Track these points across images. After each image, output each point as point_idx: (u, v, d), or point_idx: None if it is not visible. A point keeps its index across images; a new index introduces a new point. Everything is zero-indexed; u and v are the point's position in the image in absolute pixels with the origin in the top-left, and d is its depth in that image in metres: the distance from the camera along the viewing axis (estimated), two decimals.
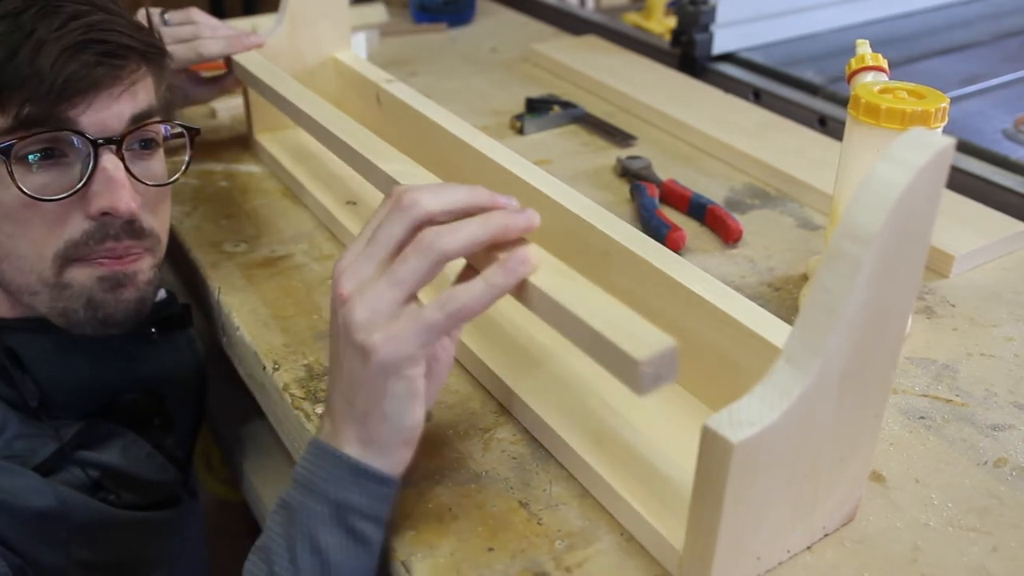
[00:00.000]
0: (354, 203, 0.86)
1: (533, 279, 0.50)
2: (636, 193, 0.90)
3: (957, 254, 0.79)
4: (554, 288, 0.49)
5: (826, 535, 0.53)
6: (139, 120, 0.64)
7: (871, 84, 0.67)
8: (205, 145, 1.02)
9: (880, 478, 0.58)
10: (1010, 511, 0.56)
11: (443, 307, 0.48)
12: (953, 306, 0.76)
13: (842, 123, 0.70)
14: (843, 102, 1.07)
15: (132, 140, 0.65)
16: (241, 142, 1.04)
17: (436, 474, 0.58)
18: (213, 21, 0.94)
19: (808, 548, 0.52)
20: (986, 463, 0.59)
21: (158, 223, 0.68)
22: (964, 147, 0.99)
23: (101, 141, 0.62)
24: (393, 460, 0.51)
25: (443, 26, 1.44)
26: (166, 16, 0.91)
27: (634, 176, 0.94)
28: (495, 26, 1.47)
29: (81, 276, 0.64)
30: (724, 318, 0.56)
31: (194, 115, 1.09)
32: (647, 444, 0.58)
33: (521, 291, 0.50)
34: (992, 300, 0.76)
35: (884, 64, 0.70)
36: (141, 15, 0.76)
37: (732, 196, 0.93)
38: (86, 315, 0.65)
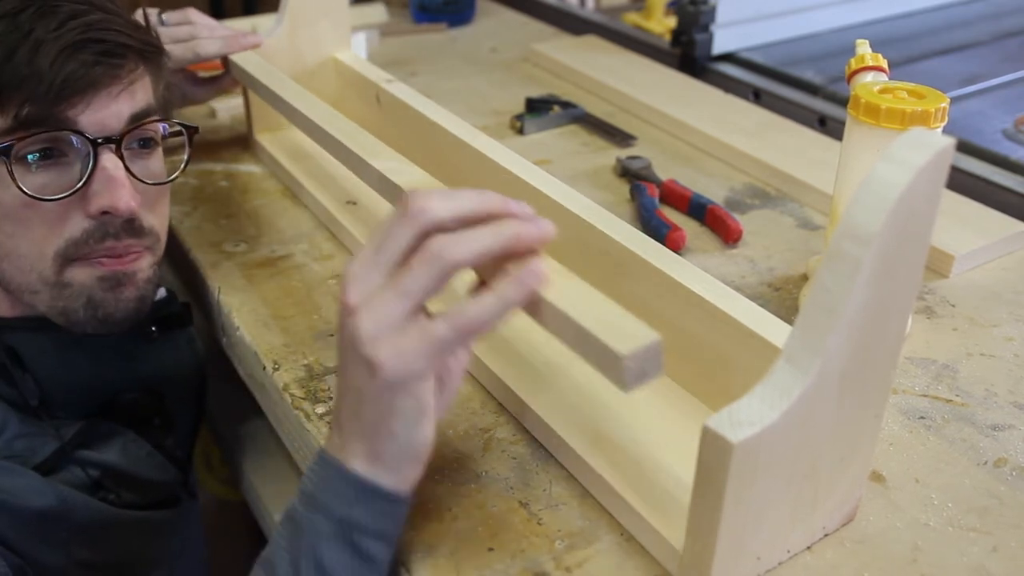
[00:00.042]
0: (354, 203, 0.86)
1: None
2: (636, 193, 0.90)
3: (957, 254, 0.79)
4: None
5: (826, 535, 0.53)
6: (138, 119, 0.64)
7: (871, 84, 0.67)
8: (205, 145, 1.03)
9: (880, 478, 0.58)
10: (1010, 511, 0.56)
11: (452, 322, 0.46)
12: (953, 306, 0.76)
13: (842, 123, 0.70)
14: (843, 102, 1.07)
15: (131, 139, 0.65)
16: (241, 142, 1.04)
17: (436, 474, 0.58)
18: (210, 21, 0.94)
19: (808, 548, 0.52)
20: (986, 463, 0.59)
21: (157, 221, 0.68)
22: (964, 147, 0.99)
23: (100, 140, 0.62)
24: (401, 477, 0.50)
25: (443, 26, 1.44)
26: (163, 16, 0.91)
27: (634, 176, 0.94)
28: (495, 26, 1.47)
29: (81, 275, 0.65)
30: (724, 318, 0.56)
31: (193, 115, 1.09)
32: (647, 444, 0.58)
33: (534, 306, 0.48)
34: (992, 300, 0.76)
35: (884, 64, 0.70)
36: (138, 15, 0.76)
37: (732, 196, 0.93)
38: (86, 314, 0.66)
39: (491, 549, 0.53)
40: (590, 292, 0.48)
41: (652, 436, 0.58)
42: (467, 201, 0.48)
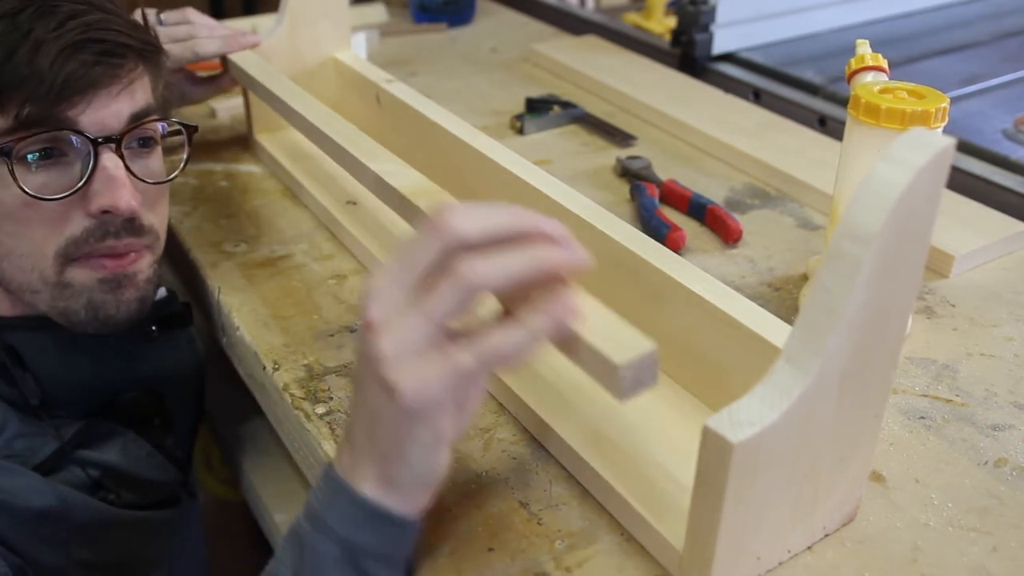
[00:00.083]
0: (354, 203, 0.86)
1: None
2: (636, 193, 0.90)
3: (957, 254, 0.79)
4: None
5: (826, 535, 0.53)
6: (138, 118, 0.65)
7: (871, 84, 0.67)
8: (205, 145, 1.03)
9: (880, 478, 0.58)
10: (1010, 511, 0.56)
11: (478, 352, 0.44)
12: (953, 306, 0.76)
13: (842, 123, 0.70)
14: (843, 102, 1.07)
15: (131, 138, 0.65)
16: (241, 142, 1.04)
17: None
18: (209, 21, 0.94)
19: (808, 548, 0.52)
20: (986, 463, 0.59)
21: (157, 220, 0.68)
22: (964, 147, 0.99)
23: (101, 140, 0.62)
24: (412, 502, 0.48)
25: (443, 26, 1.44)
26: (162, 16, 0.91)
27: (634, 176, 0.94)
28: (495, 26, 1.47)
29: (81, 276, 0.65)
30: (724, 318, 0.56)
31: (193, 115, 1.09)
32: (647, 444, 0.58)
33: (565, 342, 0.46)
34: (992, 300, 0.76)
35: (884, 64, 0.70)
36: (137, 15, 0.76)
37: (732, 196, 0.93)
38: (87, 315, 0.66)
39: (491, 549, 0.53)
40: (586, 299, 0.47)
41: (652, 436, 0.58)
42: (497, 219, 0.45)
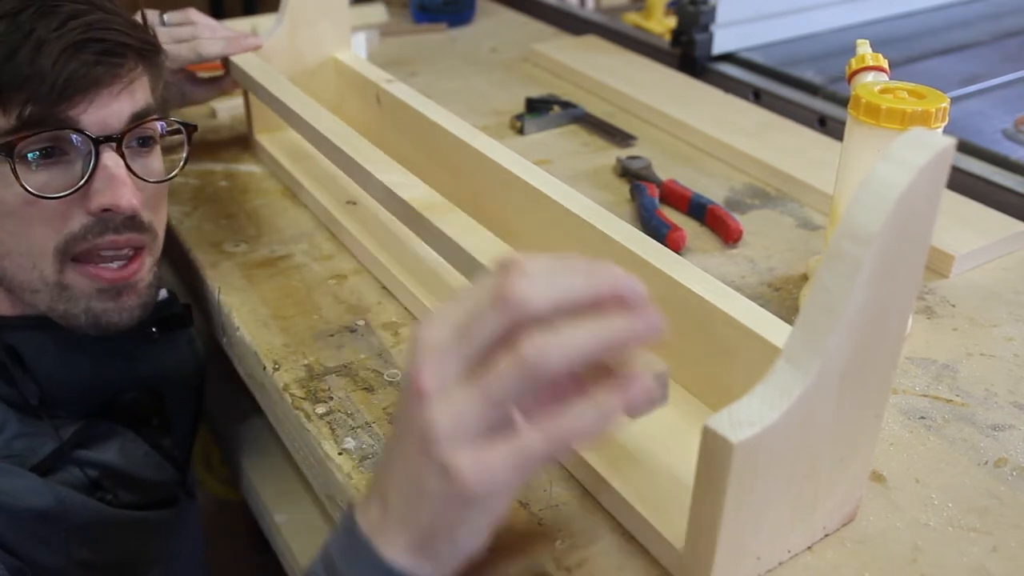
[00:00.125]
0: (354, 203, 0.86)
1: None
2: (636, 193, 0.90)
3: (957, 254, 0.79)
4: None
5: (826, 535, 0.53)
6: (138, 118, 0.65)
7: (871, 84, 0.67)
8: (205, 145, 1.03)
9: (880, 478, 0.58)
10: (1010, 511, 0.56)
11: (549, 436, 0.40)
12: (953, 306, 0.76)
13: (842, 123, 0.70)
14: (843, 102, 1.07)
15: (131, 138, 0.65)
16: (241, 142, 1.04)
17: None
18: (211, 22, 0.94)
19: (808, 548, 0.52)
20: (986, 463, 0.59)
21: (157, 220, 0.69)
22: (964, 147, 0.99)
23: (102, 139, 0.62)
24: (446, 571, 0.44)
25: (443, 26, 1.44)
26: (164, 17, 0.91)
27: (634, 176, 0.94)
28: (495, 26, 1.47)
29: (80, 283, 0.65)
30: (724, 318, 0.56)
31: (193, 115, 1.09)
32: (647, 444, 0.58)
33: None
34: (992, 300, 0.76)
35: (884, 64, 0.70)
36: (138, 16, 0.76)
37: (732, 196, 0.93)
38: (87, 321, 0.66)
39: (491, 549, 0.53)
40: None
41: (652, 436, 0.58)
42: (570, 286, 0.41)
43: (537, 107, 1.10)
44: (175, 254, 0.88)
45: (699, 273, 0.59)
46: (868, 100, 0.64)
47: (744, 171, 0.97)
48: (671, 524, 0.51)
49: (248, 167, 0.99)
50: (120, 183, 0.63)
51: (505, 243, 0.63)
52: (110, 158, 0.62)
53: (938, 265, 0.80)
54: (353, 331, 0.72)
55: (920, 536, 0.54)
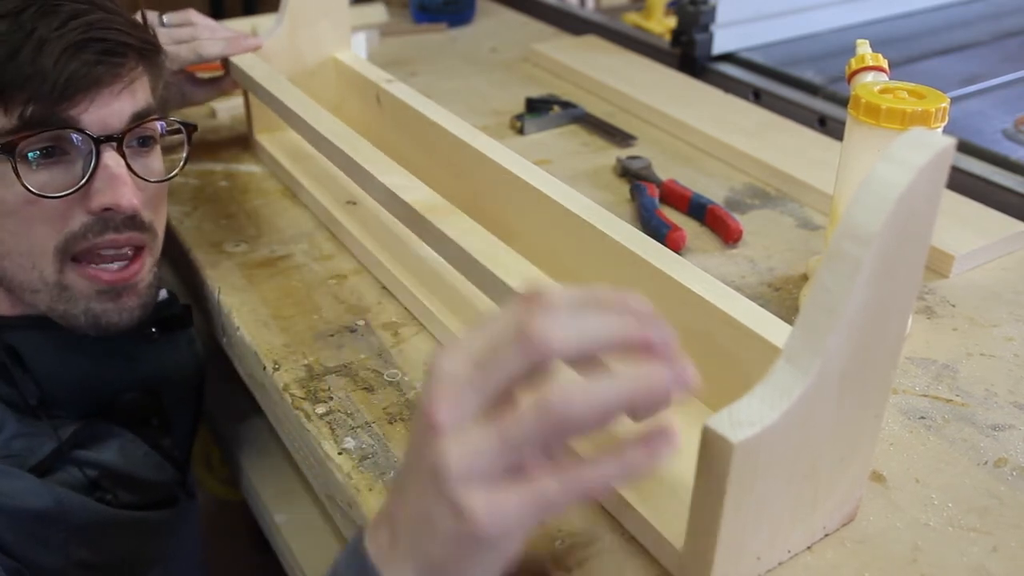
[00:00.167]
0: (354, 203, 0.86)
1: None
2: (636, 193, 0.90)
3: (957, 254, 0.79)
4: None
5: (826, 535, 0.53)
6: (139, 118, 0.65)
7: (871, 84, 0.67)
8: (205, 145, 1.03)
9: (880, 478, 0.58)
10: (1010, 511, 0.56)
11: (567, 484, 0.39)
12: (953, 306, 0.76)
13: (842, 123, 0.70)
14: (843, 102, 1.07)
15: (131, 137, 0.65)
16: (241, 142, 1.04)
17: None
18: (211, 22, 0.94)
19: (808, 548, 0.52)
20: (986, 463, 0.59)
21: (157, 219, 0.69)
22: (964, 147, 0.99)
23: (102, 139, 0.62)
24: None
25: (443, 26, 1.44)
26: (164, 17, 0.91)
27: (634, 176, 0.94)
28: (495, 26, 1.47)
29: (80, 284, 0.65)
30: (724, 318, 0.56)
31: (193, 115, 1.09)
32: None
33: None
34: (992, 300, 0.76)
35: (884, 64, 0.70)
36: (138, 17, 0.76)
37: (732, 196, 0.93)
38: (87, 321, 0.66)
39: None
40: None
41: None
42: (598, 332, 0.39)
43: (537, 107, 1.10)
44: (175, 254, 0.88)
45: (699, 273, 0.59)
46: (868, 100, 0.64)
47: (744, 171, 0.97)
48: (671, 524, 0.51)
49: (248, 167, 0.99)
50: (121, 182, 0.63)
51: (505, 243, 0.63)
52: (111, 157, 0.63)
53: (938, 265, 0.80)
54: (353, 331, 0.72)
55: (920, 536, 0.54)
